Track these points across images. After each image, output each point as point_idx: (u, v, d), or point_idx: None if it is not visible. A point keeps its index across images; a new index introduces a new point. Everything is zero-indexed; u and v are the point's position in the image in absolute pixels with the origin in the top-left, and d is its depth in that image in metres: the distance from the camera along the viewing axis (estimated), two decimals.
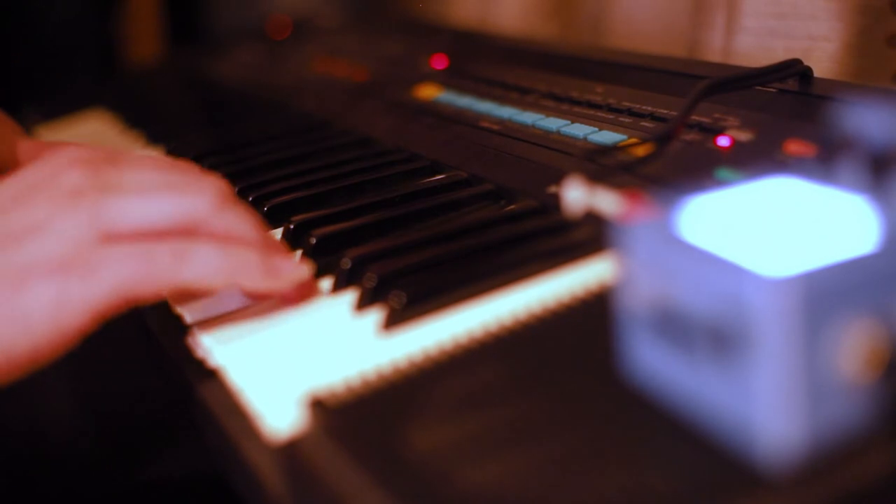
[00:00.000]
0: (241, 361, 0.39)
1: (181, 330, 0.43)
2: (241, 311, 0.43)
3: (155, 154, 0.44)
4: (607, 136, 0.54)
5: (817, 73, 0.53)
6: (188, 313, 0.43)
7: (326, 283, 0.44)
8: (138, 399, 0.65)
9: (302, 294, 0.43)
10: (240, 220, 0.41)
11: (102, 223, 0.38)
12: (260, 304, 0.43)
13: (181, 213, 0.39)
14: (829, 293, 0.25)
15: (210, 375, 0.40)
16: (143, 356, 0.49)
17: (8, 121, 0.60)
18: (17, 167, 0.59)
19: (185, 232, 0.39)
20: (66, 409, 0.64)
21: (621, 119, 0.56)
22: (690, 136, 0.50)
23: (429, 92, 0.72)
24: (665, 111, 0.55)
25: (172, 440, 0.63)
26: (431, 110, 0.69)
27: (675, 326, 0.28)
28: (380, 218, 0.51)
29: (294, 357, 0.38)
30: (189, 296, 0.44)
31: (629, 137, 0.53)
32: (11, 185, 0.40)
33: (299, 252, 0.48)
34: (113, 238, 0.37)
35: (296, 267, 0.42)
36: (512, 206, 0.51)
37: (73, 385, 0.63)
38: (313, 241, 0.48)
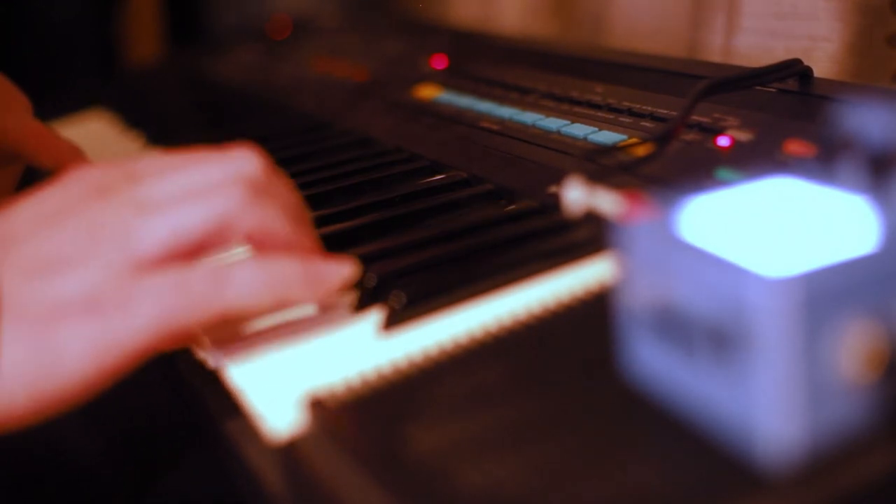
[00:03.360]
0: (242, 362, 0.39)
1: None
2: None
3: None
4: (607, 136, 0.54)
5: (817, 73, 0.53)
6: None
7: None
8: (146, 411, 0.64)
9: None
10: (272, 212, 0.38)
11: (133, 250, 0.35)
12: None
13: (211, 218, 0.37)
14: (829, 293, 0.25)
15: (210, 376, 0.40)
16: (158, 385, 0.49)
17: (21, 98, 0.61)
18: (26, 148, 0.59)
19: (220, 236, 0.37)
20: (74, 423, 0.64)
21: (621, 119, 0.56)
22: (690, 136, 0.50)
23: (429, 92, 0.72)
24: (665, 111, 0.55)
25: (182, 457, 0.63)
26: (431, 110, 0.69)
27: (675, 326, 0.28)
28: (380, 218, 0.51)
29: (294, 357, 0.38)
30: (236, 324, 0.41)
31: (629, 137, 0.53)
32: (29, 209, 0.37)
33: None
34: (145, 267, 0.35)
35: (337, 268, 0.39)
36: (512, 206, 0.51)
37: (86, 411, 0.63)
38: None
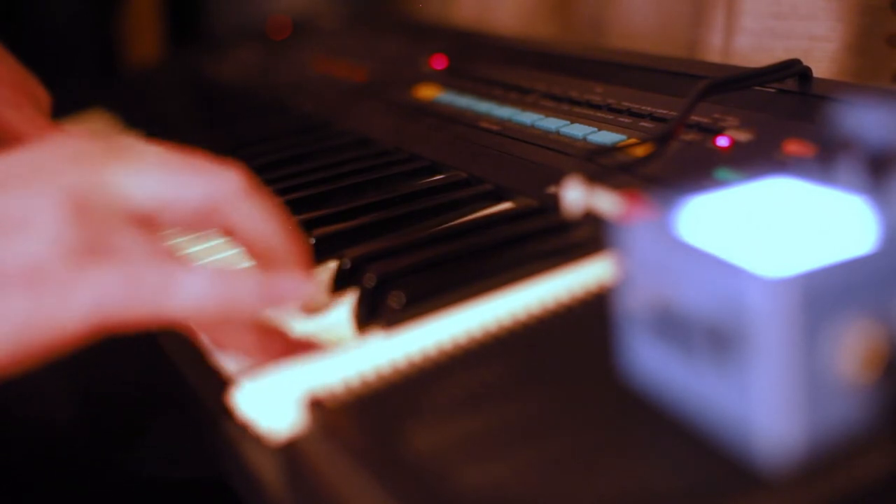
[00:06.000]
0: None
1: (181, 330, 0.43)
2: None
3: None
4: (607, 137, 0.54)
5: (817, 73, 0.53)
6: None
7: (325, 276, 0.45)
8: (134, 389, 0.64)
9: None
10: (261, 214, 0.38)
11: (98, 237, 0.33)
12: None
13: (201, 194, 0.36)
14: (828, 293, 0.25)
15: (210, 376, 0.40)
16: (144, 356, 0.49)
17: (34, 93, 0.60)
18: (24, 144, 0.59)
19: (203, 217, 0.36)
20: (59, 397, 0.64)
21: (621, 119, 0.56)
22: (690, 136, 0.50)
23: (429, 92, 0.72)
24: (664, 111, 0.55)
25: (158, 423, 0.62)
26: (431, 110, 0.69)
27: (674, 326, 0.28)
28: (380, 218, 0.51)
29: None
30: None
31: (628, 137, 0.53)
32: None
33: None
34: (102, 253, 0.33)
35: (296, 285, 0.36)
36: (512, 206, 0.51)
37: (67, 372, 0.62)
38: (313, 241, 0.48)
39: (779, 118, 0.49)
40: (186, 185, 0.36)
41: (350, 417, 0.32)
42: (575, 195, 0.45)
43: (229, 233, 0.38)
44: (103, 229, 0.34)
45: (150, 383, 0.60)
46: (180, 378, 0.42)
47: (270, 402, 0.35)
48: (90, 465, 0.61)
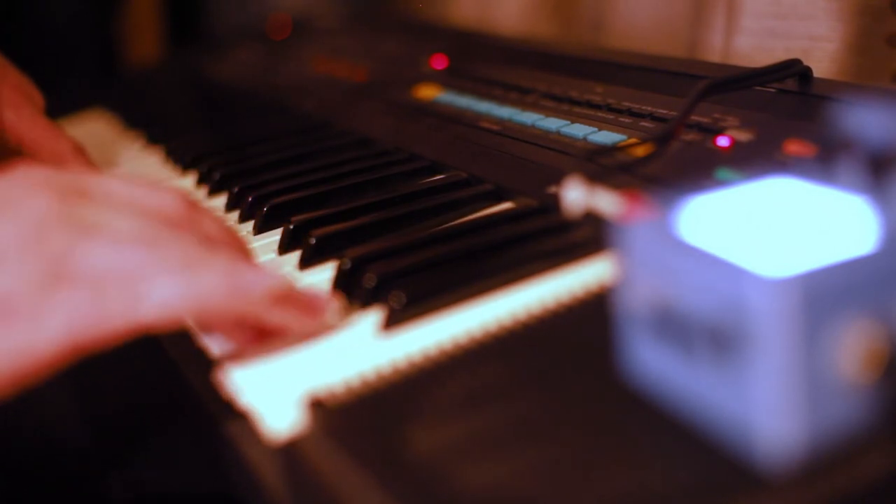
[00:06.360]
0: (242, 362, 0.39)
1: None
2: None
3: (137, 175, 0.39)
4: (607, 137, 0.54)
5: (817, 73, 0.53)
6: None
7: (326, 274, 0.45)
8: (133, 388, 0.64)
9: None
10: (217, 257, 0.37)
11: (61, 263, 0.34)
12: None
13: (155, 255, 0.35)
14: (828, 293, 0.25)
15: (211, 374, 0.40)
16: (143, 356, 0.49)
17: (31, 94, 0.60)
18: (25, 145, 0.59)
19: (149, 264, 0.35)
20: (63, 404, 0.64)
21: (621, 119, 0.56)
22: (690, 136, 0.50)
23: (429, 92, 0.72)
24: (665, 111, 0.55)
25: (172, 444, 0.63)
26: (431, 110, 0.69)
27: (675, 327, 0.28)
28: (380, 218, 0.51)
29: (294, 357, 0.38)
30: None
31: (629, 137, 0.53)
32: None
33: (298, 252, 0.48)
34: (67, 278, 0.34)
35: (262, 277, 0.37)
36: (512, 206, 0.51)
37: (71, 380, 0.62)
38: (313, 241, 0.48)
39: (779, 118, 0.49)
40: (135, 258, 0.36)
41: (350, 417, 0.32)
42: (575, 195, 0.45)
43: None
44: (64, 254, 0.34)
45: (151, 390, 0.60)
46: (182, 380, 0.42)
47: (271, 393, 0.35)
48: (92, 478, 0.61)
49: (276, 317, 0.38)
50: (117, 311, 0.34)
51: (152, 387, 0.59)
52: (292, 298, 0.38)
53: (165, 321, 0.35)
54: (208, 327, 0.41)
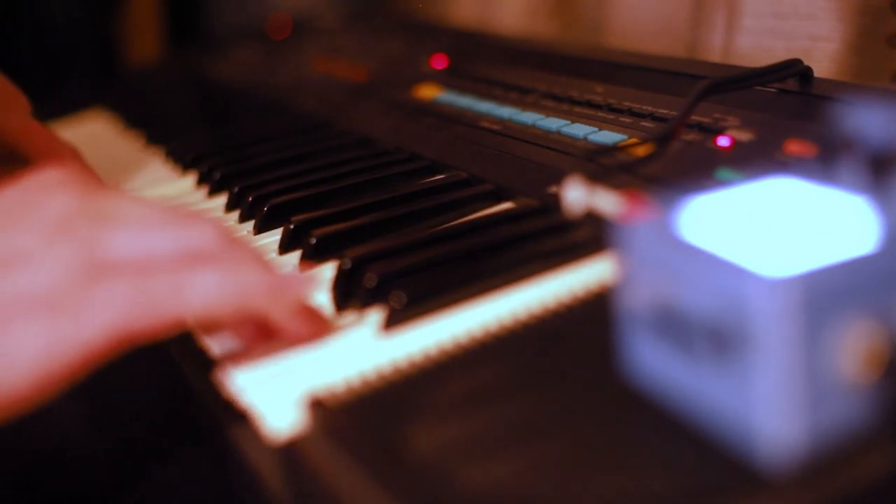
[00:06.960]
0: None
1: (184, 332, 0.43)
2: None
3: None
4: (607, 136, 0.54)
5: (817, 73, 0.53)
6: None
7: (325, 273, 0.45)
8: (144, 404, 0.64)
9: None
10: (246, 258, 0.38)
11: (95, 254, 0.34)
12: None
13: (183, 246, 0.36)
14: (829, 293, 0.25)
15: (211, 374, 0.40)
16: (144, 356, 0.49)
17: (20, 98, 0.61)
18: (22, 148, 0.59)
19: (187, 262, 0.36)
20: (64, 405, 0.64)
21: (621, 119, 0.56)
22: (690, 136, 0.50)
23: (429, 92, 0.72)
24: (665, 111, 0.55)
25: (177, 450, 0.63)
26: (431, 110, 0.69)
27: (675, 326, 0.28)
28: (380, 218, 0.51)
29: (294, 357, 0.38)
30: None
31: (629, 137, 0.53)
32: None
33: (299, 252, 0.48)
34: (106, 270, 0.34)
35: (300, 280, 0.38)
36: (512, 206, 0.51)
37: (80, 396, 0.63)
38: (313, 241, 0.48)
39: (780, 118, 0.49)
40: (164, 240, 0.36)
41: (350, 417, 0.32)
42: (576, 195, 0.45)
43: None
44: (94, 243, 0.35)
45: (151, 390, 0.60)
46: (182, 380, 0.42)
47: (272, 393, 0.35)
48: (105, 493, 0.61)
49: (294, 324, 0.38)
50: (162, 301, 0.34)
51: (152, 387, 0.59)
52: (310, 308, 0.39)
53: (209, 314, 0.35)
54: (210, 328, 0.41)
